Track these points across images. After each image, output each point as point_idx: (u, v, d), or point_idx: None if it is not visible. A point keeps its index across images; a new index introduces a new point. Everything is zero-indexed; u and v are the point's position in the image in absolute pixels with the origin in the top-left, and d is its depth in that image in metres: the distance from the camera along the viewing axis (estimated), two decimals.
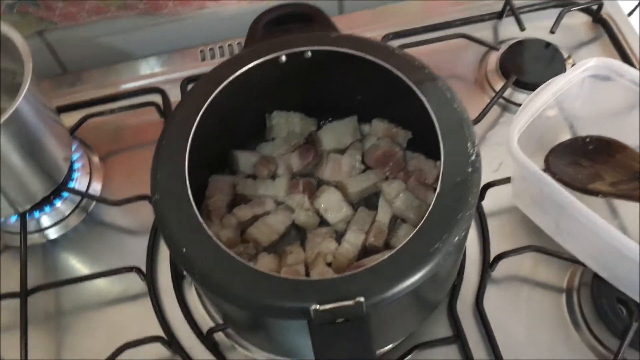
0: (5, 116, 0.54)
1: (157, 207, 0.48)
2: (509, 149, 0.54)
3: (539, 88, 0.57)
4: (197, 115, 0.52)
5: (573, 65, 0.69)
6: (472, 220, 0.47)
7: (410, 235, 0.44)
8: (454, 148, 0.48)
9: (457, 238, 0.44)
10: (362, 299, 0.40)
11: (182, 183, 0.48)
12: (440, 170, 0.47)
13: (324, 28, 0.58)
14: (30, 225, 0.65)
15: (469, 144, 0.48)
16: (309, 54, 0.56)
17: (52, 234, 0.66)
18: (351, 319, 0.42)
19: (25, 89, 0.55)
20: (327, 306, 0.40)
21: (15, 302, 0.60)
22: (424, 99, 0.50)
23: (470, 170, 0.47)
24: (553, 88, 0.57)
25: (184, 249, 0.45)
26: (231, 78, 0.55)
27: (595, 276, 0.58)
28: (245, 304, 0.43)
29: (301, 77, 0.58)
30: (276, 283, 0.43)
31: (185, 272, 0.59)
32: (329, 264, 0.55)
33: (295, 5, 0.60)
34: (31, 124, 0.58)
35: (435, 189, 0.47)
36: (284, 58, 0.56)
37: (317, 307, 0.40)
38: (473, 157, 0.48)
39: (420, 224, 0.44)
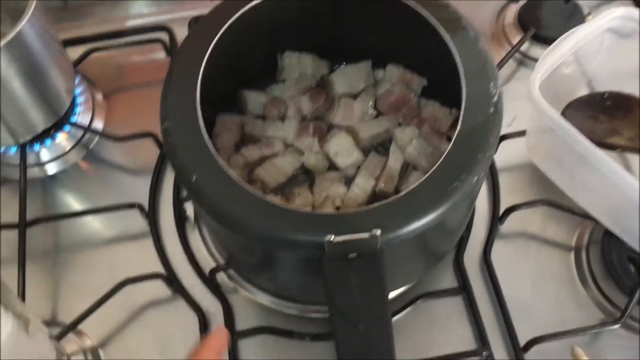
0: (8, 37, 0.52)
1: (167, 134, 0.46)
2: (530, 96, 0.52)
3: (563, 35, 0.55)
4: (210, 43, 0.50)
5: None
6: (490, 163, 0.46)
7: (429, 173, 0.43)
8: (476, 88, 0.46)
9: (475, 178, 0.43)
10: (378, 232, 0.39)
11: (193, 110, 0.46)
12: (462, 110, 0.45)
13: None
14: (30, 159, 0.63)
15: (491, 84, 0.46)
16: None
17: (52, 169, 0.64)
18: (364, 254, 0.40)
19: (30, 11, 0.53)
20: (342, 238, 0.39)
21: (14, 235, 0.58)
22: (447, 37, 0.48)
23: (492, 110, 0.45)
24: (577, 36, 0.55)
25: (194, 177, 0.43)
26: (242, 11, 0.52)
27: (606, 233, 0.57)
28: (256, 236, 0.42)
29: (316, 15, 0.56)
30: (290, 215, 0.42)
31: (193, 202, 0.57)
32: (337, 208, 0.54)
33: None
34: (34, 49, 0.55)
35: (449, 138, 0.46)
36: None
37: (332, 238, 0.39)
38: (495, 98, 0.46)
39: (439, 162, 0.43)
